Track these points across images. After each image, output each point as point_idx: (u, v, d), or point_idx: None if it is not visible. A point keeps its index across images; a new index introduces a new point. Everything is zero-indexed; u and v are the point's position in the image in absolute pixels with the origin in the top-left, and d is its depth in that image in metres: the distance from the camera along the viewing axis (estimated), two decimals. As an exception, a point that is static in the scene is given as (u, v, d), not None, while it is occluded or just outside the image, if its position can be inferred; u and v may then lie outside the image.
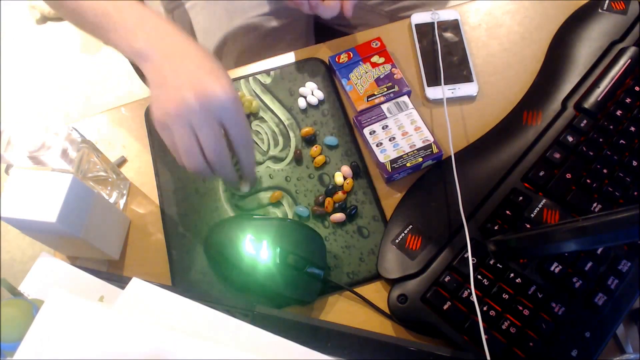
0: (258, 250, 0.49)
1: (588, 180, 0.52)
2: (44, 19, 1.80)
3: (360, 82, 0.61)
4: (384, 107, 0.59)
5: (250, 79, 0.64)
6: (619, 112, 0.56)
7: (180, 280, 0.53)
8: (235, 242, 0.50)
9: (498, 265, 0.49)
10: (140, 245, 0.55)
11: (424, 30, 0.65)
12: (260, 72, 0.64)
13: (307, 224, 0.54)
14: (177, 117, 0.46)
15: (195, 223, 0.55)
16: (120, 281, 0.46)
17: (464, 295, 0.48)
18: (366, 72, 0.62)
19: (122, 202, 0.57)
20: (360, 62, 0.63)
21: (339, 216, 0.54)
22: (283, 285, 0.49)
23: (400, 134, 0.57)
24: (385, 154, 0.56)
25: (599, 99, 0.57)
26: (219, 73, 0.47)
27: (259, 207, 0.56)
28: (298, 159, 0.58)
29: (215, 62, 0.49)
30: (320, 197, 0.55)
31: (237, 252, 0.50)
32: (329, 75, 0.63)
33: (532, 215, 0.51)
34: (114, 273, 0.53)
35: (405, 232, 0.52)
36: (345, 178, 0.56)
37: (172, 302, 0.42)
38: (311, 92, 0.62)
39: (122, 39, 0.50)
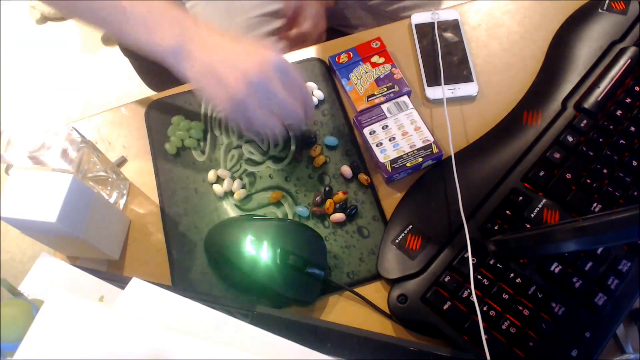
0: (258, 250, 0.49)
1: (588, 180, 0.52)
2: (44, 19, 1.80)
3: (360, 82, 0.61)
4: (384, 107, 0.59)
5: (250, 79, 0.64)
6: (619, 112, 0.56)
7: (180, 280, 0.53)
8: (235, 242, 0.50)
9: (498, 265, 0.49)
10: (140, 245, 0.55)
11: (424, 30, 0.65)
12: (260, 72, 0.64)
13: (308, 224, 0.54)
14: (254, 91, 0.48)
15: (195, 223, 0.55)
16: (120, 281, 0.46)
17: (464, 295, 0.48)
18: (366, 72, 0.62)
19: (122, 202, 0.57)
20: (360, 62, 0.63)
21: (339, 216, 0.54)
22: (283, 285, 0.49)
23: (400, 134, 0.57)
24: (385, 154, 0.56)
25: (599, 99, 0.57)
26: (258, 45, 0.51)
27: (259, 207, 0.56)
28: (298, 159, 0.58)
29: (243, 39, 0.51)
30: (317, 198, 0.55)
31: (238, 252, 0.49)
32: (329, 75, 0.63)
33: (532, 215, 0.51)
34: (114, 273, 0.53)
35: (405, 232, 0.52)
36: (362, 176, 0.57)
37: (172, 302, 0.42)
38: (311, 92, 0.62)
39: (147, 37, 0.49)
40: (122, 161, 0.60)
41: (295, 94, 0.51)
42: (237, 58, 0.49)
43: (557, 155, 0.54)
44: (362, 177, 0.56)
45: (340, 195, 0.55)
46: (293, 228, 0.52)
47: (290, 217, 0.55)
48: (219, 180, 0.58)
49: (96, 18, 0.52)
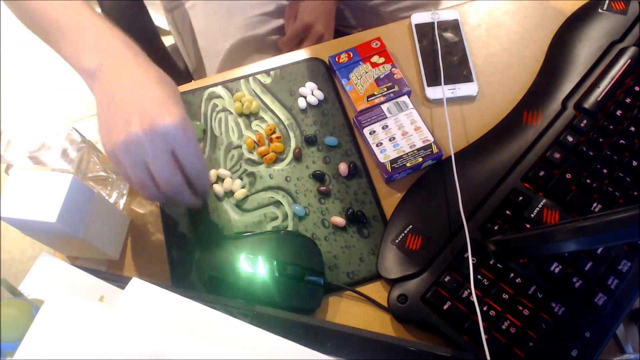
0: (255, 267, 0.48)
1: (588, 180, 0.52)
2: (44, 19, 1.79)
3: (360, 82, 0.61)
4: (384, 107, 0.59)
5: (250, 79, 0.64)
6: (619, 112, 0.56)
7: (180, 280, 0.53)
8: (230, 264, 0.49)
9: (498, 265, 0.49)
10: (140, 245, 0.55)
11: (424, 30, 0.65)
12: (260, 72, 0.64)
13: (297, 232, 0.54)
14: (126, 150, 0.44)
15: (196, 223, 0.55)
16: (120, 281, 0.46)
17: (464, 295, 0.48)
18: (366, 72, 0.62)
19: (122, 202, 0.57)
20: (360, 62, 0.63)
21: (339, 220, 0.54)
22: (286, 297, 0.48)
23: (400, 134, 0.57)
24: (385, 154, 0.56)
25: (599, 99, 0.57)
26: (168, 99, 0.45)
27: (259, 207, 0.56)
28: (298, 159, 0.58)
29: (165, 85, 0.46)
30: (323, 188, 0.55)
31: (234, 273, 0.48)
32: (329, 75, 0.63)
33: (532, 215, 0.51)
34: (114, 273, 0.53)
35: (405, 232, 0.52)
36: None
37: (172, 302, 0.42)
38: (311, 92, 0.62)
39: (71, 53, 0.47)
40: (122, 161, 0.60)
41: (188, 164, 0.46)
42: (139, 102, 0.44)
43: (557, 155, 0.54)
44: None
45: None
46: (284, 238, 0.51)
47: (290, 216, 0.55)
48: (219, 180, 0.58)
49: (34, 23, 0.50)
